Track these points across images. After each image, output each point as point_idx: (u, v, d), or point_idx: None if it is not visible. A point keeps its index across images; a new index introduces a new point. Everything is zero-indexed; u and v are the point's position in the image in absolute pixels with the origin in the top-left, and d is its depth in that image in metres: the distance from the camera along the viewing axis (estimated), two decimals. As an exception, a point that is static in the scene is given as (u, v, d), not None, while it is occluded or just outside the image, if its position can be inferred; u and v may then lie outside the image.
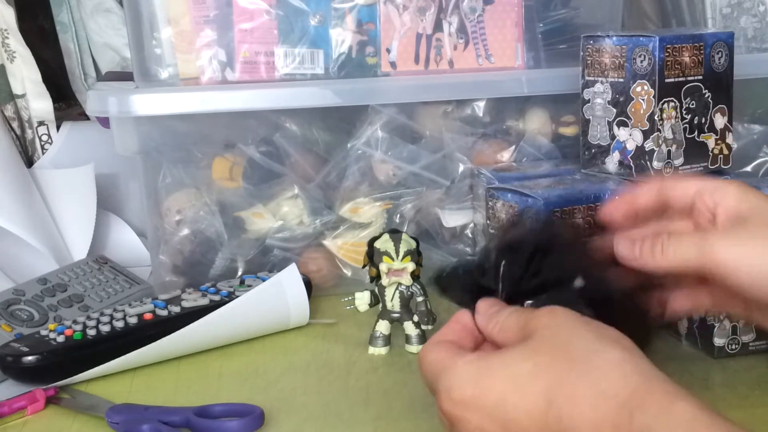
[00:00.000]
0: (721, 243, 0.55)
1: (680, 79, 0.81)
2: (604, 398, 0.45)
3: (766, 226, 0.56)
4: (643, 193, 0.62)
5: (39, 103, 1.06)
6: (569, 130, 0.96)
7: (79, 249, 0.97)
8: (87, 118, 1.10)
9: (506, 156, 0.96)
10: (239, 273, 0.91)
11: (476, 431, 0.48)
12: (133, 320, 0.77)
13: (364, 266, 0.79)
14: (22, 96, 1.06)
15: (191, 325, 0.75)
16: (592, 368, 0.46)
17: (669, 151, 0.81)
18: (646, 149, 0.81)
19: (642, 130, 0.81)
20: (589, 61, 0.84)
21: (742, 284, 0.55)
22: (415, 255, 0.77)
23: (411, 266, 0.76)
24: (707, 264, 0.55)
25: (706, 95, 0.83)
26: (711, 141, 0.84)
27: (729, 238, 0.56)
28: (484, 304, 0.55)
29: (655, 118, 0.80)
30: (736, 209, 0.58)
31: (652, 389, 0.45)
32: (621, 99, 0.82)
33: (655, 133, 0.80)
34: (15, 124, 1.06)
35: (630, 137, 0.82)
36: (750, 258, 0.55)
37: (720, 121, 0.84)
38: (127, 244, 1.03)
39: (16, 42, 1.05)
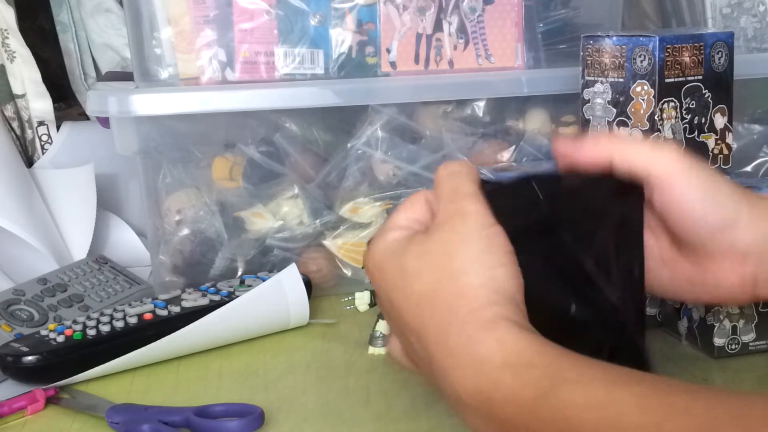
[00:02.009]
0: (674, 155, 0.57)
1: (680, 79, 0.81)
2: (453, 316, 0.51)
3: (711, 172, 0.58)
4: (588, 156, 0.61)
5: (39, 103, 1.06)
6: (569, 130, 0.96)
7: (79, 249, 0.97)
8: (87, 118, 1.10)
9: (506, 156, 0.96)
10: (239, 273, 0.91)
11: (378, 288, 0.57)
12: (133, 320, 0.77)
13: (363, 266, 0.79)
14: (22, 96, 1.06)
15: (191, 325, 0.75)
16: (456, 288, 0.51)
17: (669, 151, 0.81)
18: (646, 149, 0.81)
19: (642, 130, 0.81)
20: (589, 61, 0.84)
21: (678, 202, 0.56)
22: (415, 255, 0.76)
23: (411, 266, 0.76)
24: (656, 170, 0.56)
25: (706, 95, 0.83)
26: (711, 141, 0.84)
27: (681, 156, 0.57)
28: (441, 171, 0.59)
29: (655, 118, 0.80)
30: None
31: (484, 310, 0.50)
32: (621, 99, 0.82)
33: (655, 133, 0.80)
34: (15, 124, 1.06)
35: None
36: (695, 176, 0.56)
37: (720, 121, 0.84)
38: (127, 244, 1.03)
39: (16, 42, 1.05)
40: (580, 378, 0.45)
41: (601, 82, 0.83)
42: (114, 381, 0.73)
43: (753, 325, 0.73)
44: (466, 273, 0.52)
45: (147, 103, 0.85)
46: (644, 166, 0.57)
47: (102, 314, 0.78)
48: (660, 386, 0.43)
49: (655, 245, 0.60)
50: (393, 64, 0.91)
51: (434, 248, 0.53)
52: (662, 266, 0.60)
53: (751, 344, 0.73)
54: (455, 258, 0.52)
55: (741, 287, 0.59)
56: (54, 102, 1.08)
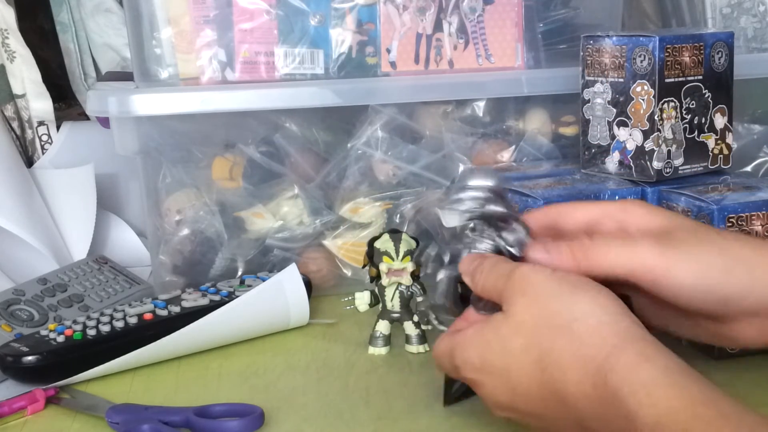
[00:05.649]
0: (651, 249, 0.56)
1: (680, 79, 0.81)
2: (584, 363, 0.50)
3: (691, 236, 0.58)
4: (533, 220, 0.62)
5: (39, 103, 1.06)
6: (569, 130, 0.96)
7: (79, 249, 0.97)
8: (87, 118, 1.10)
9: (506, 156, 0.96)
10: (239, 273, 0.91)
11: (491, 395, 0.55)
12: (133, 320, 0.77)
13: (364, 266, 0.79)
14: (22, 96, 1.06)
15: (191, 325, 0.75)
16: (573, 337, 0.51)
17: (669, 151, 0.81)
18: (646, 149, 0.81)
19: (642, 130, 0.81)
20: (589, 61, 0.84)
21: (672, 292, 0.56)
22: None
23: (411, 266, 0.76)
24: (637, 270, 0.56)
25: (706, 95, 0.83)
26: (711, 141, 0.84)
27: (659, 246, 0.57)
28: (464, 262, 0.60)
29: (655, 118, 0.80)
30: (649, 225, 0.59)
31: (625, 352, 0.49)
32: (621, 99, 0.82)
33: (655, 133, 0.80)
34: (15, 124, 1.06)
35: (630, 137, 0.82)
36: (681, 263, 0.56)
37: (720, 121, 0.84)
38: (127, 244, 1.03)
39: (16, 42, 1.05)
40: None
41: (601, 82, 0.83)
42: (114, 381, 0.73)
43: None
44: (580, 318, 0.51)
45: (147, 103, 0.85)
46: (624, 272, 0.56)
47: (102, 314, 0.78)
48: None
49: (671, 306, 0.59)
50: (393, 64, 0.91)
51: (524, 319, 0.53)
52: (684, 319, 0.60)
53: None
54: (557, 309, 0.52)
55: (760, 336, 0.59)
56: (54, 102, 1.08)
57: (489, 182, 0.60)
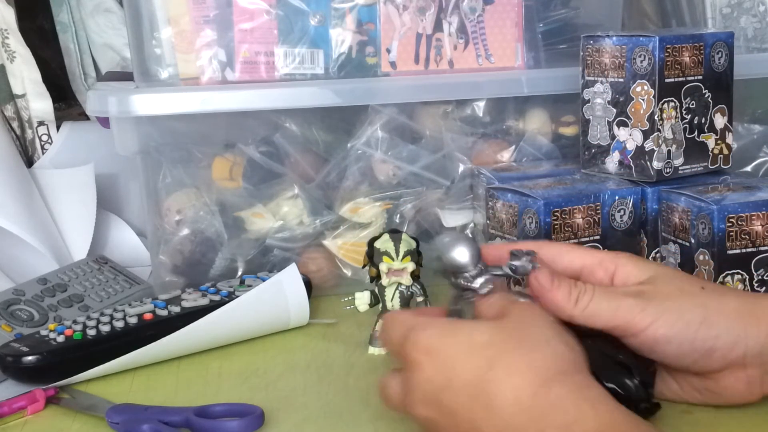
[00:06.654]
0: (633, 306, 0.58)
1: (680, 79, 0.81)
2: (535, 371, 0.51)
3: (675, 290, 0.59)
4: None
5: (39, 103, 1.06)
6: (569, 130, 0.96)
7: (79, 249, 0.97)
8: (87, 118, 1.10)
9: (506, 156, 0.96)
10: (239, 273, 0.91)
11: (425, 382, 0.53)
12: (133, 320, 0.77)
13: (364, 266, 0.79)
14: (22, 96, 1.06)
15: (191, 325, 0.75)
16: (534, 350, 0.52)
17: (669, 151, 0.81)
18: (646, 149, 0.81)
19: (642, 130, 0.81)
20: (589, 61, 0.84)
21: (654, 347, 0.58)
22: (415, 255, 0.77)
23: (411, 266, 0.76)
24: (619, 326, 0.58)
25: (706, 95, 0.83)
26: (711, 141, 0.84)
27: (641, 302, 0.58)
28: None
29: (655, 118, 0.80)
30: (637, 278, 0.61)
31: (577, 375, 0.52)
32: (621, 99, 0.82)
33: (655, 133, 0.80)
34: (15, 124, 1.06)
35: (630, 137, 0.82)
36: (662, 318, 0.58)
37: (720, 121, 0.84)
38: (127, 244, 1.03)
39: (16, 42, 1.05)
40: None
41: (601, 82, 0.83)
42: (114, 381, 0.73)
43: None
44: (551, 342, 0.52)
45: (147, 103, 0.85)
46: (607, 326, 0.58)
47: (102, 314, 0.78)
48: None
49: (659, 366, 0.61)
50: (393, 64, 0.91)
51: (503, 327, 0.54)
52: (668, 377, 0.61)
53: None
54: (535, 332, 0.53)
55: (748, 389, 0.60)
56: (54, 102, 1.08)
57: (467, 254, 0.60)
